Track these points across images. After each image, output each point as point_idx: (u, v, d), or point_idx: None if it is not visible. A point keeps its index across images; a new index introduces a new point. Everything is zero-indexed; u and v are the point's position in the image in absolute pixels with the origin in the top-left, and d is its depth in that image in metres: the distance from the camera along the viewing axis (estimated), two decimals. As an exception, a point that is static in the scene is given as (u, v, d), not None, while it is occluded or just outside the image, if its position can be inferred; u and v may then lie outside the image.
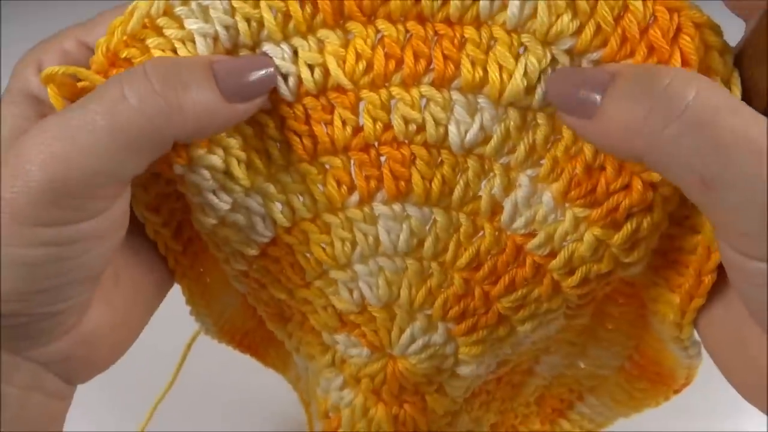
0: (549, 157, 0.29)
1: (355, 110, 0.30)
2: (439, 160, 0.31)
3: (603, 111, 0.25)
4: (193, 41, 0.28)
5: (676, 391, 0.39)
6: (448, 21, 0.28)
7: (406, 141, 0.30)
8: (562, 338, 0.39)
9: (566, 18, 0.27)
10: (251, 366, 0.46)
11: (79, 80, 0.28)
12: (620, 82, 0.25)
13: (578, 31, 0.27)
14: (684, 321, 0.30)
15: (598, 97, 0.25)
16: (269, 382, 0.47)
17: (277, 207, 0.32)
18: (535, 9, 0.27)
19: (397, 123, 0.30)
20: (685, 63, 0.25)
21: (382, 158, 0.31)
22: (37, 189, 0.25)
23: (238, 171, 0.30)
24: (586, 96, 0.26)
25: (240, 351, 0.44)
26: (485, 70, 0.28)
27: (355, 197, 0.31)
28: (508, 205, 0.30)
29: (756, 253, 0.23)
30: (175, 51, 0.28)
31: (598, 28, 0.26)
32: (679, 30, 0.25)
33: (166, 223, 0.33)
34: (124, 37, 0.28)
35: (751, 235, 0.23)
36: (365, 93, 0.30)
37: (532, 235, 0.30)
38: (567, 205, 0.29)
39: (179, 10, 0.28)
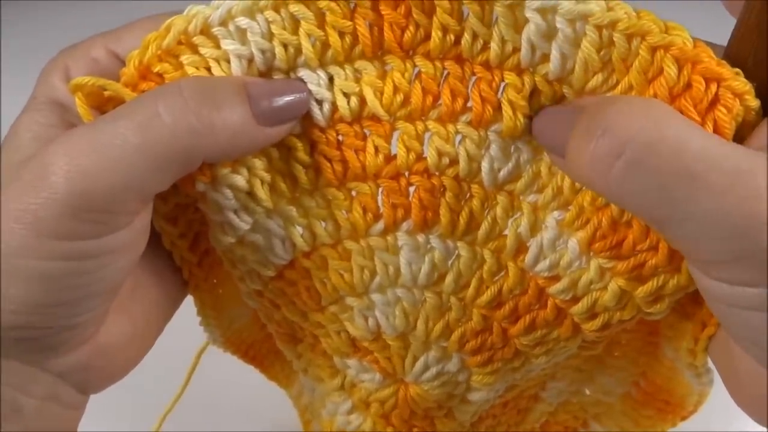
0: (576, 204, 0.29)
1: (388, 139, 0.30)
2: (468, 194, 0.30)
3: (568, 149, 0.25)
4: (228, 61, 0.28)
5: (683, 418, 0.39)
6: (486, 64, 0.28)
7: (437, 173, 0.30)
8: (569, 365, 0.38)
9: (600, 77, 0.26)
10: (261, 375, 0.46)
11: (107, 90, 0.28)
12: (580, 119, 0.24)
13: (613, 87, 0.26)
14: (697, 348, 0.30)
15: (568, 135, 0.25)
16: (278, 390, 0.47)
17: (298, 230, 0.31)
18: (575, 64, 0.27)
19: (430, 155, 0.29)
20: (717, 132, 0.24)
21: (411, 189, 0.30)
22: (61, 202, 0.24)
23: (262, 192, 0.30)
24: (559, 134, 0.26)
25: (245, 362, 0.43)
26: (527, 118, 0.28)
27: (379, 225, 0.31)
28: (533, 246, 0.30)
29: (718, 276, 0.23)
30: (209, 69, 0.28)
31: (630, 87, 0.26)
32: (716, 101, 0.24)
33: (182, 234, 0.32)
34: (158, 52, 0.28)
35: (711, 262, 0.23)
36: (401, 124, 0.29)
37: (555, 279, 0.30)
38: (592, 254, 0.29)
39: (217, 30, 0.28)
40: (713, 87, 0.24)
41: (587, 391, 0.41)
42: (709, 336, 0.30)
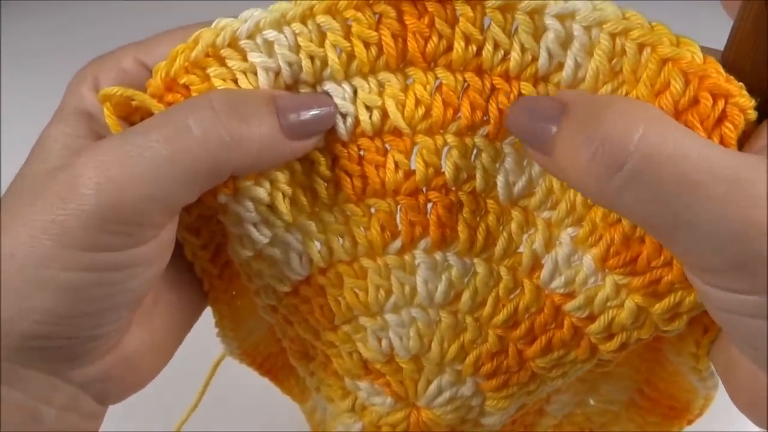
0: (589, 221, 0.28)
1: (408, 155, 0.30)
2: (484, 210, 0.30)
3: (555, 148, 0.25)
4: (255, 74, 0.28)
5: (690, 422, 0.38)
6: (505, 75, 0.28)
7: (454, 188, 0.30)
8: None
9: (609, 87, 0.27)
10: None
11: (134, 100, 0.28)
12: (568, 117, 0.24)
13: None
14: (699, 352, 0.30)
15: (553, 129, 0.25)
16: (293, 404, 0.46)
17: (316, 246, 0.31)
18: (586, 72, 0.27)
19: (448, 169, 0.29)
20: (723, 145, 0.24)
21: (428, 206, 0.31)
22: (89, 213, 0.24)
23: (283, 206, 0.30)
24: (540, 128, 0.25)
25: (260, 374, 0.43)
26: None
27: (397, 243, 0.31)
28: (548, 262, 0.30)
29: (716, 283, 0.23)
30: (236, 82, 0.28)
31: (638, 99, 0.26)
32: (723, 117, 0.24)
33: (204, 245, 0.32)
34: (185, 64, 0.28)
35: (709, 270, 0.23)
36: (420, 138, 0.29)
37: (571, 296, 0.30)
38: (607, 271, 0.29)
39: (244, 42, 0.28)
40: (720, 103, 0.24)
41: (591, 401, 0.40)
42: (710, 340, 0.30)
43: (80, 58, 0.31)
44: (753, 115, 0.24)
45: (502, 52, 0.28)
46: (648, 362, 0.37)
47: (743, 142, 0.25)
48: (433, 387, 0.33)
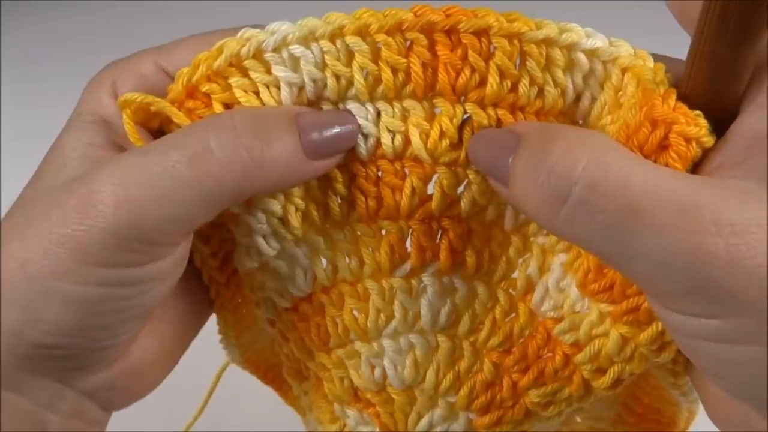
0: (575, 247, 0.28)
1: (427, 181, 0.29)
2: (489, 236, 0.31)
3: (511, 179, 0.24)
4: (278, 87, 0.28)
5: None
6: (537, 112, 0.28)
7: (466, 217, 0.30)
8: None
9: (609, 118, 0.27)
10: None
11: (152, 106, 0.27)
12: (520, 150, 0.24)
13: None
14: (677, 368, 0.30)
15: (509, 160, 0.24)
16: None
17: (322, 263, 0.31)
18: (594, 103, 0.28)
19: (465, 202, 0.29)
20: None
21: (438, 231, 0.30)
22: (106, 231, 0.24)
23: (295, 219, 0.29)
24: (497, 159, 0.25)
25: (264, 383, 0.42)
26: None
27: (406, 266, 0.30)
28: (540, 286, 0.30)
29: (674, 308, 0.23)
30: (257, 93, 0.28)
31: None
32: (666, 146, 0.24)
33: (214, 253, 0.32)
34: (208, 72, 0.27)
35: (664, 295, 0.23)
36: (442, 170, 0.29)
37: (560, 321, 0.30)
38: (590, 297, 0.28)
39: (269, 55, 0.27)
40: (659, 132, 0.24)
41: (578, 419, 0.40)
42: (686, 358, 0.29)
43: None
44: (709, 142, 0.23)
45: (536, 88, 0.27)
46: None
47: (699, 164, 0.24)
48: (424, 422, 0.33)
